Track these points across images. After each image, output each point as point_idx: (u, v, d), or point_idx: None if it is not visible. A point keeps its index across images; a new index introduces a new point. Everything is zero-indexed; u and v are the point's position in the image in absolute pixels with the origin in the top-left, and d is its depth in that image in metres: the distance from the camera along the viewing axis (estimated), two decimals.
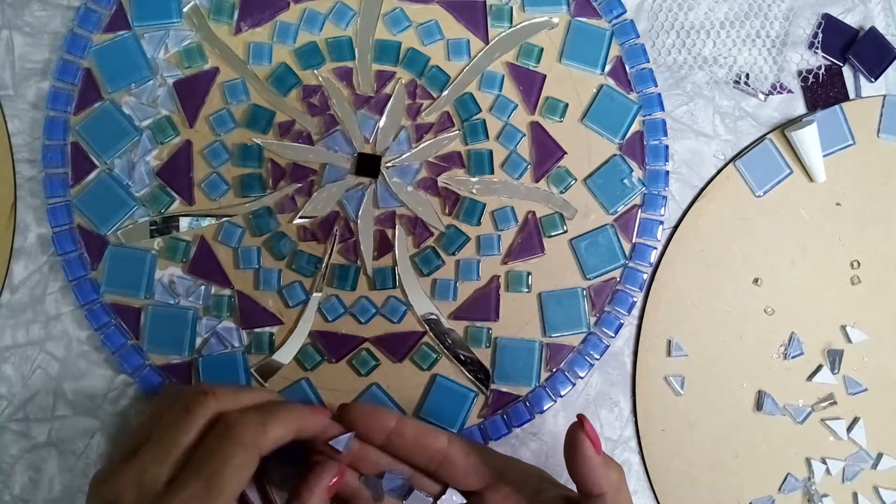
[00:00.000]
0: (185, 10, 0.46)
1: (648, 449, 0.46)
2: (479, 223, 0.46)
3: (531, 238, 0.46)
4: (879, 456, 0.46)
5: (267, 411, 0.37)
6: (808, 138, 0.46)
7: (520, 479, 0.39)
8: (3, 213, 0.45)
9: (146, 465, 0.34)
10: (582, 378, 0.45)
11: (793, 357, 0.47)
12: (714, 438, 0.46)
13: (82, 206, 0.45)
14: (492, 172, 0.46)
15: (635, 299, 0.46)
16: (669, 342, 0.46)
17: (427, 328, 0.45)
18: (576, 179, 0.46)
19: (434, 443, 0.39)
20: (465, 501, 0.40)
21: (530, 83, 0.47)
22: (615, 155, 0.46)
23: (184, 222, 0.45)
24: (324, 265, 0.45)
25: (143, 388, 0.44)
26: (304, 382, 0.45)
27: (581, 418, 0.36)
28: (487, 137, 0.46)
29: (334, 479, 0.38)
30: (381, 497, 0.39)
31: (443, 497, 0.40)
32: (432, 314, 0.45)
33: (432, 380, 0.45)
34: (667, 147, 0.47)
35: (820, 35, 0.48)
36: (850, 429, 0.46)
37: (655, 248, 0.46)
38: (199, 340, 0.45)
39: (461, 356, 0.45)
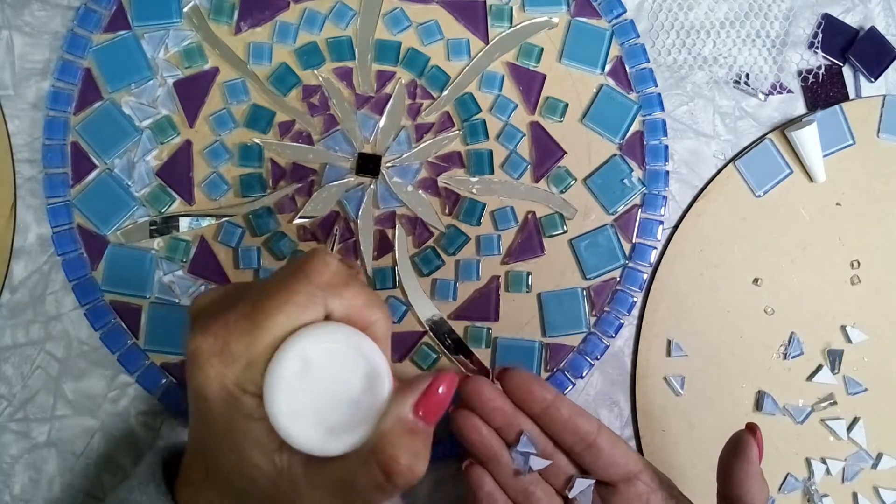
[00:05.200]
0: (185, 10, 0.46)
1: (648, 449, 0.46)
2: (479, 223, 0.46)
3: (531, 238, 0.46)
4: (879, 456, 0.46)
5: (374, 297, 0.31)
6: (808, 138, 0.46)
7: (655, 481, 0.40)
8: (3, 213, 0.45)
9: (232, 323, 0.29)
10: (582, 378, 0.45)
11: (793, 357, 0.47)
12: (714, 438, 0.46)
13: (82, 206, 0.45)
14: (492, 172, 0.46)
15: (635, 299, 0.46)
16: (669, 342, 0.46)
17: (428, 329, 0.45)
18: (576, 179, 0.46)
19: (585, 425, 0.39)
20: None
21: (530, 83, 0.47)
22: (615, 155, 0.46)
23: (184, 222, 0.45)
24: None
25: (143, 387, 0.44)
26: None
27: (753, 426, 0.37)
28: (487, 137, 0.46)
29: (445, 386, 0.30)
30: (525, 473, 0.39)
31: (578, 480, 0.40)
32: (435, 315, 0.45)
33: None
34: (667, 147, 0.47)
35: (820, 35, 0.48)
36: (850, 429, 0.46)
37: (655, 248, 0.46)
38: None
39: (461, 356, 0.45)
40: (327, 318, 0.29)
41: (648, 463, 0.40)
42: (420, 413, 0.28)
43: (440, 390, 0.29)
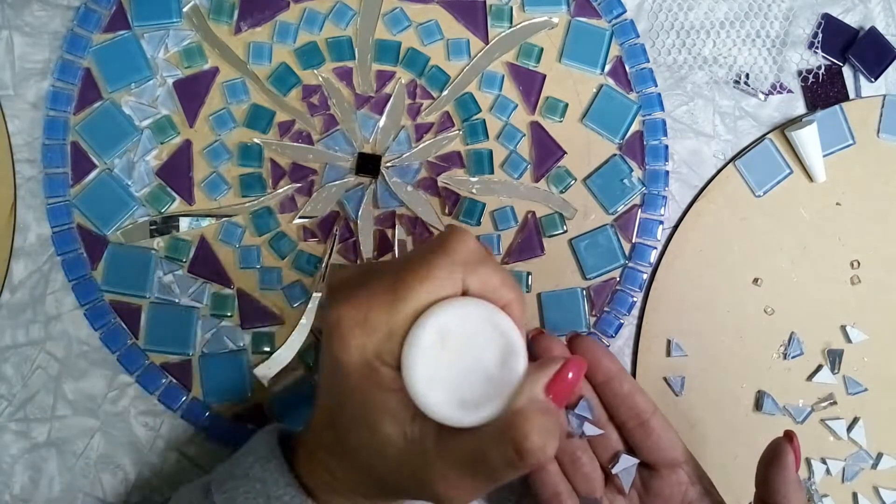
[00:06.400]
0: (185, 9, 0.46)
1: None
2: (478, 223, 0.46)
3: (531, 238, 0.46)
4: (879, 456, 0.46)
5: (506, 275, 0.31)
6: (808, 138, 0.46)
7: (696, 475, 0.40)
8: (3, 213, 0.45)
9: (374, 303, 0.29)
10: None
11: (793, 357, 0.47)
12: (714, 438, 0.46)
13: (82, 206, 0.45)
14: (492, 172, 0.46)
15: (635, 299, 0.46)
16: (669, 342, 0.46)
17: None
18: (575, 179, 0.46)
19: (643, 403, 0.40)
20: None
21: (530, 83, 0.47)
22: (615, 155, 0.46)
23: (184, 222, 0.45)
24: (324, 265, 0.45)
25: (143, 387, 0.44)
26: None
27: (790, 434, 0.38)
28: (487, 137, 0.46)
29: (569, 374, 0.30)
30: (577, 435, 0.40)
31: (623, 457, 0.40)
32: None
33: None
34: (667, 147, 0.47)
35: (820, 35, 0.48)
36: (850, 429, 0.46)
37: (655, 248, 0.46)
38: (199, 340, 0.45)
39: None
40: (464, 294, 0.30)
41: (692, 456, 0.41)
42: (550, 395, 0.29)
43: (569, 375, 0.29)
